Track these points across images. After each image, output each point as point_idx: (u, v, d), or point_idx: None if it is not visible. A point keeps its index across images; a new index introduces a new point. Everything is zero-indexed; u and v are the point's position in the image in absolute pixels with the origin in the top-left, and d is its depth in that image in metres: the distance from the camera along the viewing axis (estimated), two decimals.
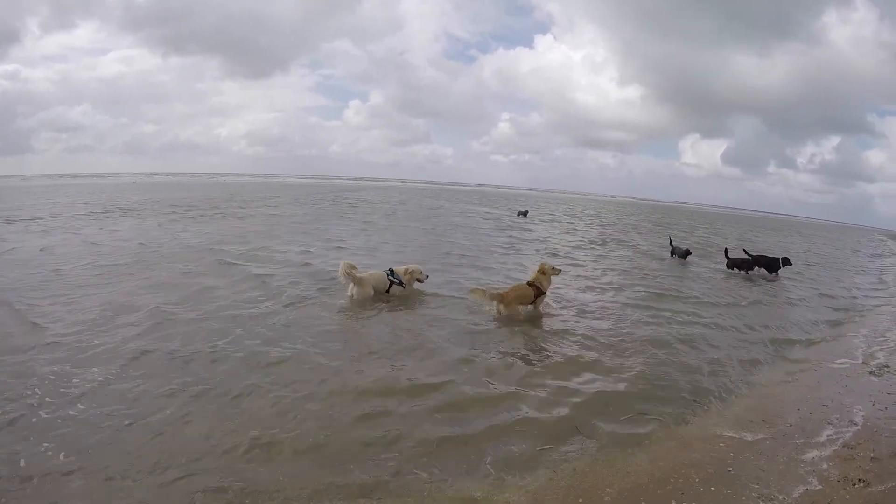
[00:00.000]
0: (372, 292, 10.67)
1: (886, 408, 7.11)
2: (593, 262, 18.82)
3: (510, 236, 25.26)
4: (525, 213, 40.20)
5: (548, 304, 10.70)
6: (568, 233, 30.39)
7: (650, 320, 10.59)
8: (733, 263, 18.27)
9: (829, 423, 6.51)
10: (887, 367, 9.04)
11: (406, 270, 11.09)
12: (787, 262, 18.11)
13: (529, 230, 28.40)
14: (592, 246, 24.16)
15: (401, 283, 10.99)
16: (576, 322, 10.13)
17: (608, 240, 27.25)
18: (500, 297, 9.80)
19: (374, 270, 11.10)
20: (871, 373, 8.68)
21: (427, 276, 11.35)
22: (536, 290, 10.13)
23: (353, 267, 10.44)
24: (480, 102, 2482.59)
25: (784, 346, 9.96)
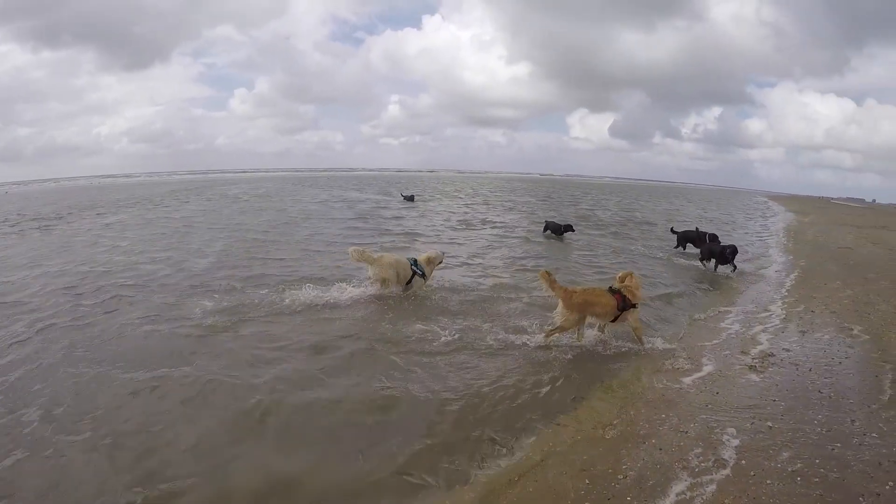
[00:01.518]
0: (393, 276, 9.47)
1: (771, 426, 5.27)
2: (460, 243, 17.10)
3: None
4: (411, 198, 36.49)
5: None
6: (443, 214, 28.18)
7: None
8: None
9: (684, 468, 4.53)
10: (772, 355, 7.36)
11: (426, 259, 9.86)
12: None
13: (400, 217, 25.18)
14: (461, 227, 22.22)
15: (423, 275, 9.74)
16: None
17: (477, 220, 24.99)
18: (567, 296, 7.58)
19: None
20: (751, 367, 6.93)
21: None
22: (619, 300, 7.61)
23: (363, 252, 9.52)
24: (369, 86, 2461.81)
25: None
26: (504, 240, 18.30)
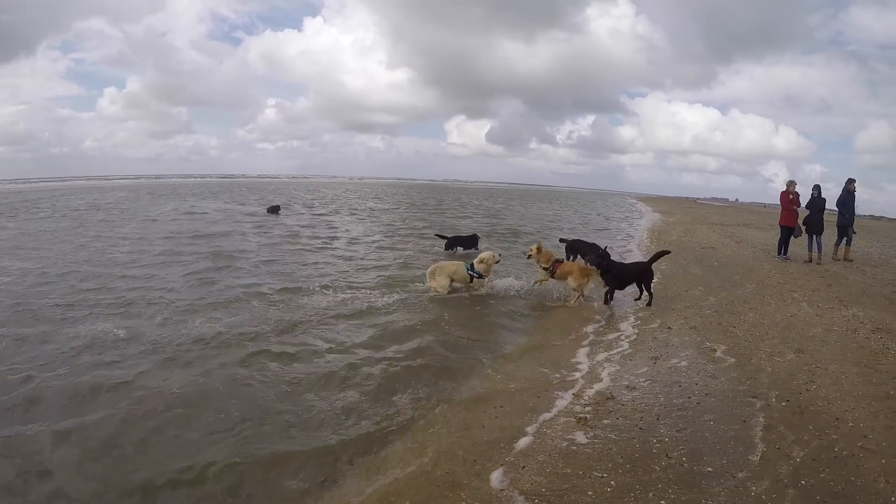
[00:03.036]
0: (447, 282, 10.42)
1: None
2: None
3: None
4: (277, 209, 31.23)
5: None
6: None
7: None
8: None
9: None
10: (611, 398, 5.50)
11: (480, 260, 10.47)
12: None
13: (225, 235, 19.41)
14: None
15: (480, 276, 10.48)
16: None
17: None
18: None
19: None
20: (580, 421, 5.00)
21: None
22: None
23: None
24: (246, 87, 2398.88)
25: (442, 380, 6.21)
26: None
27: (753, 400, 5.23)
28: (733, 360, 6.44)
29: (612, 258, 10.10)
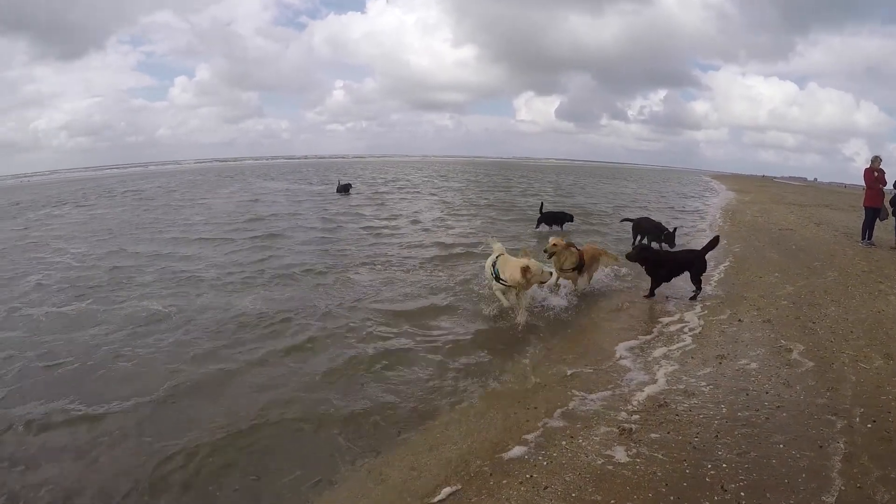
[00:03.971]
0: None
1: None
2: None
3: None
4: (347, 188, 30.03)
5: None
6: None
7: None
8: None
9: None
10: (663, 405, 4.71)
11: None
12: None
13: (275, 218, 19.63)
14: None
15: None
16: None
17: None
18: None
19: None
20: (623, 433, 4.27)
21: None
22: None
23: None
24: (313, 71, 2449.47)
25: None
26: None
27: (833, 418, 4.33)
28: (812, 364, 5.46)
29: (653, 248, 9.60)
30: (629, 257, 8.62)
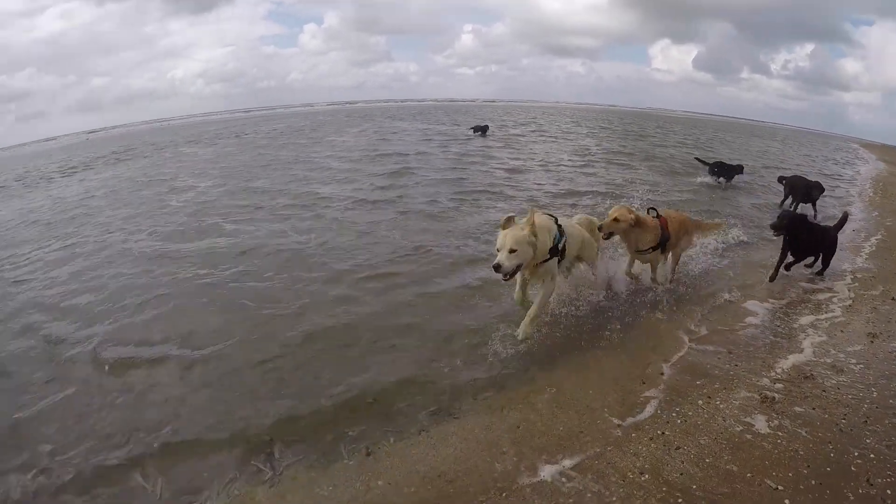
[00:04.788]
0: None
1: None
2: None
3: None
4: (483, 130, 28.95)
5: None
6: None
7: None
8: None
9: None
10: (809, 378, 4.41)
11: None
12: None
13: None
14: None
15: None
16: None
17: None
18: None
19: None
20: (764, 401, 4.06)
21: None
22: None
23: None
24: (441, 14, 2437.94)
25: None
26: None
27: None
28: None
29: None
30: (775, 227, 6.71)
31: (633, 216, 5.86)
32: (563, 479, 3.32)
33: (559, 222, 5.19)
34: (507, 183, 13.60)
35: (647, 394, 4.20)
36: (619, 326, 5.42)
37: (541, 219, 4.95)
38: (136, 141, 47.44)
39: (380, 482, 3.45)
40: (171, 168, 20.89)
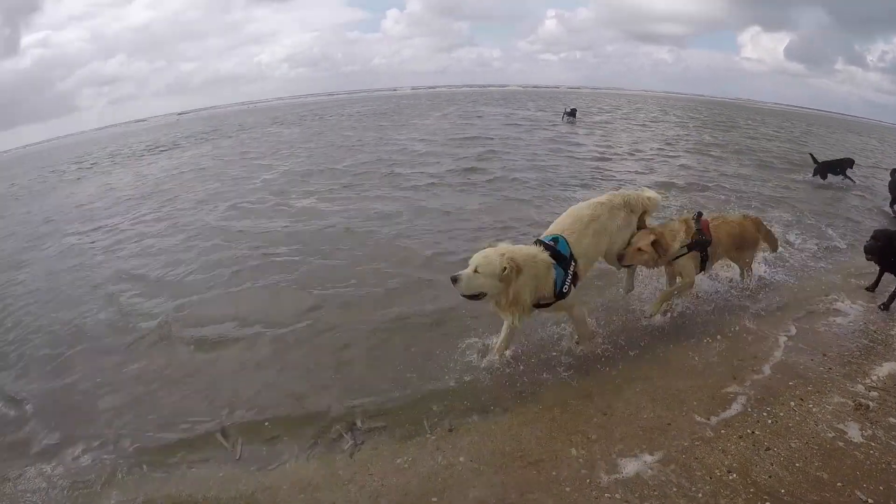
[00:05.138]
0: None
1: None
2: None
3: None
4: (573, 113, 28.69)
5: None
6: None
7: None
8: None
9: None
10: None
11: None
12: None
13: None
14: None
15: None
16: None
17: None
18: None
19: None
20: (858, 408, 3.88)
21: None
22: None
23: None
24: (524, 0, 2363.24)
25: None
26: None
27: None
28: None
29: None
30: (869, 252, 5.55)
31: (654, 244, 4.90)
32: (649, 471, 3.31)
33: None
34: (594, 170, 13.48)
35: (737, 391, 4.10)
36: (708, 324, 5.25)
37: (525, 256, 4.19)
38: (224, 122, 49.81)
39: (461, 458, 3.54)
40: (258, 147, 21.86)
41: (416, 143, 18.94)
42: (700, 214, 5.34)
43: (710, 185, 11.43)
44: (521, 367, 4.47)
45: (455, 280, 4.04)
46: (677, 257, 5.08)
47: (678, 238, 5.04)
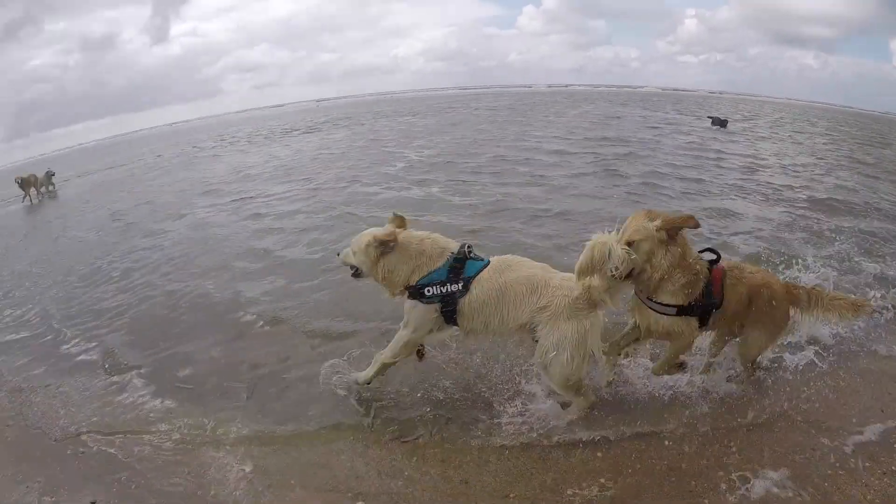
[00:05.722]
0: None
1: None
2: None
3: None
4: (724, 123, 25.60)
5: None
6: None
7: None
8: None
9: None
10: None
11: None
12: None
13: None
14: None
15: None
16: None
17: None
18: None
19: None
20: None
21: None
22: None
23: None
24: None
25: None
26: None
27: None
28: None
29: None
30: None
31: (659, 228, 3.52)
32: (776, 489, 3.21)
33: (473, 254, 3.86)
34: (739, 179, 12.90)
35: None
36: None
37: (410, 235, 3.89)
38: (362, 110, 52.10)
39: None
40: (395, 135, 23.09)
41: (554, 140, 19.14)
42: (716, 254, 3.86)
43: (859, 205, 10.25)
44: None
45: (338, 254, 4.16)
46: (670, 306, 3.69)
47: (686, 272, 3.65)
